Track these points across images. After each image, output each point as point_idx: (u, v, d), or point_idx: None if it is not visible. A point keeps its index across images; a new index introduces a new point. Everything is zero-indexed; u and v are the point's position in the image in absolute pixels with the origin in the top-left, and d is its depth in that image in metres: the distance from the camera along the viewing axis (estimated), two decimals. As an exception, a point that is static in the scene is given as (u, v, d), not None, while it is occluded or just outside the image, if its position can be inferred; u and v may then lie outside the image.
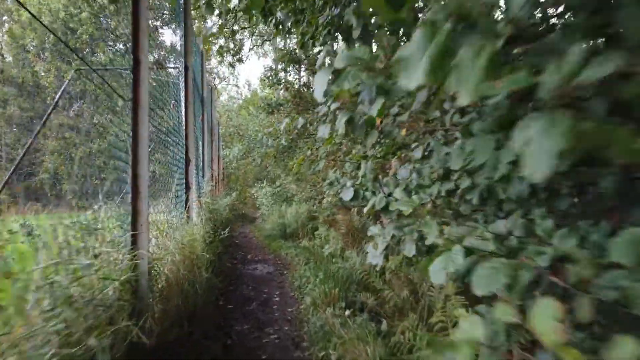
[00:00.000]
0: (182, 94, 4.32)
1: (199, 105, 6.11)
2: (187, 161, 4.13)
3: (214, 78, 25.42)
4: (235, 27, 12.33)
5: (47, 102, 19.58)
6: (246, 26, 13.57)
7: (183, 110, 4.23)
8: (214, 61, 25.85)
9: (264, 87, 30.94)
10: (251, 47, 13.40)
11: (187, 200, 4.08)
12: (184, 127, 4.19)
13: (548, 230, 1.40)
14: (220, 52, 10.50)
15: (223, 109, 21.13)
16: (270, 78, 7.55)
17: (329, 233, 6.40)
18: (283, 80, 7.69)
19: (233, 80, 38.48)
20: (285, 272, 5.97)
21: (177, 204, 3.98)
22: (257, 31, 12.97)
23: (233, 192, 16.15)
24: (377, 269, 4.33)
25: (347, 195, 2.56)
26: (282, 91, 8.50)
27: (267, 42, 15.28)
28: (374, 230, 2.48)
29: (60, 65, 18.40)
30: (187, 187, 4.11)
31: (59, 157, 18.75)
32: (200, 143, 6.30)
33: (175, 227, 3.41)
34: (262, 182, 12.95)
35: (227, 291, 4.89)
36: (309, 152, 4.93)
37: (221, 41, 11.50)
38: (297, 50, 8.29)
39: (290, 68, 9.31)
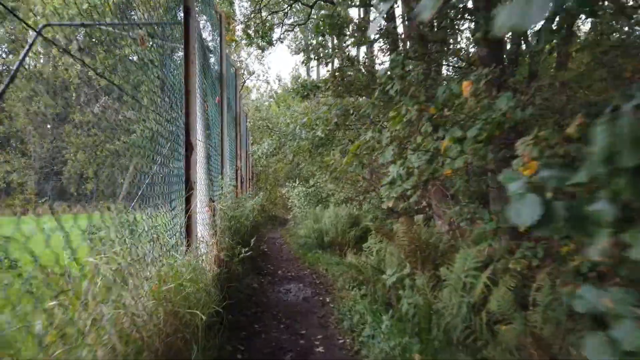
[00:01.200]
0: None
1: (213, 79, 4.76)
2: (188, 148, 2.75)
3: (243, 72, 24.31)
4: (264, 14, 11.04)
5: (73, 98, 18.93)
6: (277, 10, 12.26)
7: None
8: (243, 54, 24.82)
9: (295, 90, 29.65)
10: (281, 34, 12.05)
11: (187, 209, 2.69)
12: (183, 93, 2.82)
13: None
14: (246, 33, 9.19)
15: (252, 105, 19.97)
16: (310, 57, 6.14)
17: (383, 246, 4.92)
18: (322, 53, 6.26)
19: (263, 75, 37.40)
20: (327, 299, 4.54)
21: (171, 217, 2.61)
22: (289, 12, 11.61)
23: (262, 192, 14.90)
24: (482, 315, 2.86)
25: (529, 212, 1.04)
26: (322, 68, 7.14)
27: (298, 28, 13.95)
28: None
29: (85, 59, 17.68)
30: (188, 188, 2.73)
31: (83, 154, 18.02)
32: (218, 131, 4.94)
33: (153, 260, 2.01)
34: (294, 181, 11.58)
35: (250, 333, 3.50)
36: (368, 135, 3.45)
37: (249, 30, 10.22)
38: (340, 12, 6.85)
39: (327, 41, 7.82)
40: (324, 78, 7.04)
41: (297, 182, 11.43)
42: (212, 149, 4.46)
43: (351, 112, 6.94)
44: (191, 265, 2.49)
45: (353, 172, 7.58)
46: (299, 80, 6.68)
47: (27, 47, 3.67)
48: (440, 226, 7.33)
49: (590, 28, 5.87)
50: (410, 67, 4.02)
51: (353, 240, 7.06)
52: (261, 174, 15.30)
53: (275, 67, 48.19)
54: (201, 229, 3.50)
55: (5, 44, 21.23)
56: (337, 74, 6.23)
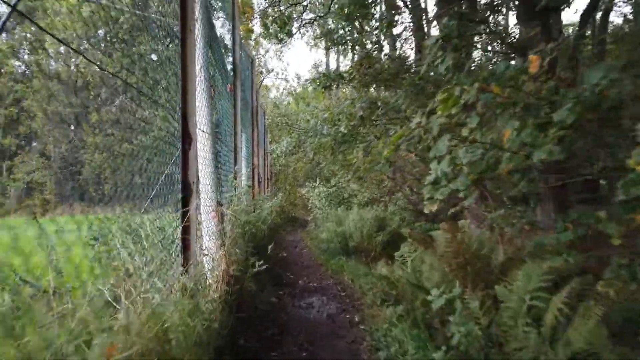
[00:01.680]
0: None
1: (224, 65, 4.19)
2: (186, 139, 2.17)
3: (262, 70, 23.86)
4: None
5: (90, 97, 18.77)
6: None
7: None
8: (261, 51, 24.39)
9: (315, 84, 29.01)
10: (300, 27, 11.45)
11: (184, 216, 2.11)
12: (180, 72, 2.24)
13: None
14: (264, 24, 8.63)
15: (271, 102, 19.47)
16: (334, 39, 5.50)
17: (419, 255, 4.26)
18: (346, 38, 5.61)
19: (282, 73, 36.92)
20: (355, 317, 3.91)
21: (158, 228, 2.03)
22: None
23: (280, 192, 14.35)
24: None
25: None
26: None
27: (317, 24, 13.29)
28: None
29: (102, 58, 17.47)
30: (186, 190, 2.15)
31: (101, 154, 17.82)
32: (230, 124, 4.37)
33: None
34: (315, 180, 10.99)
35: (265, 363, 2.91)
36: (414, 122, 2.81)
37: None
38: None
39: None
40: (349, 67, 6.40)
41: (318, 182, 10.83)
42: (222, 144, 3.88)
43: (378, 105, 6.30)
44: (188, 290, 1.92)
45: (378, 171, 6.93)
46: (320, 70, 6.08)
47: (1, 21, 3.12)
48: (474, 231, 6.65)
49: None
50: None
51: (380, 245, 6.41)
52: (280, 173, 14.76)
53: (294, 65, 47.44)
54: (207, 240, 2.92)
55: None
56: (363, 61, 5.60)
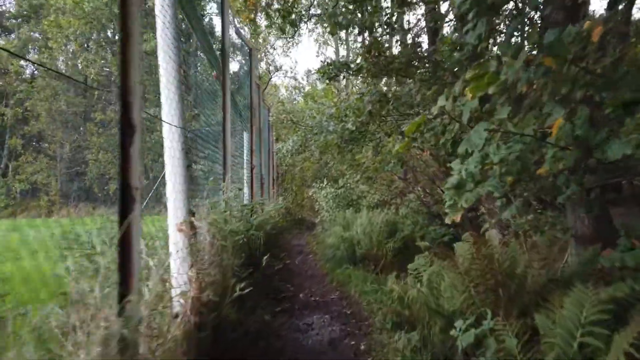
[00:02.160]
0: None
1: (210, 47, 3.62)
2: (126, 130, 1.60)
3: (269, 67, 23.32)
4: None
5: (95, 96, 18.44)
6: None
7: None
8: (269, 49, 23.85)
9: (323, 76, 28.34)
10: (307, 19, 10.87)
11: (123, 237, 1.54)
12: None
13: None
14: (266, 12, 8.08)
15: (276, 99, 18.97)
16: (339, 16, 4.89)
17: (436, 270, 3.65)
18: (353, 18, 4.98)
19: (290, 71, 36.37)
20: (361, 345, 3.33)
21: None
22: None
23: (287, 193, 13.79)
24: None
25: None
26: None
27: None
28: None
29: (106, 56, 17.13)
30: (126, 196, 1.58)
31: (105, 154, 17.46)
32: (216, 116, 3.81)
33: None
34: (322, 181, 10.41)
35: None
36: (438, 105, 2.20)
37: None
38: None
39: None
40: (357, 55, 5.77)
41: (325, 183, 10.25)
42: (200, 140, 3.32)
43: (388, 98, 5.70)
44: (118, 341, 1.35)
45: (389, 171, 6.33)
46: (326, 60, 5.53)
47: None
48: (495, 238, 6.08)
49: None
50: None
51: (391, 253, 5.81)
52: (287, 173, 14.20)
53: (303, 63, 46.75)
54: (175, 259, 2.36)
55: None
56: (372, 46, 4.99)
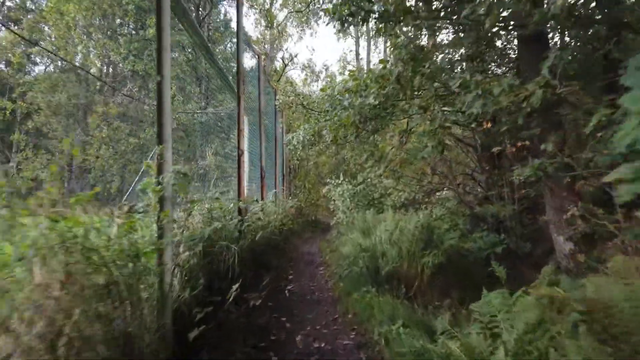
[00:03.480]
0: None
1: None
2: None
3: (284, 59, 21.76)
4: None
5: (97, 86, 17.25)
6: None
7: None
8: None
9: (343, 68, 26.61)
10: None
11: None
12: None
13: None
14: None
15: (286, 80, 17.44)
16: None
17: (532, 318, 2.00)
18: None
19: (307, 64, 34.57)
20: None
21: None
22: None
23: (300, 192, 12.21)
24: None
25: None
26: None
27: None
28: None
29: (107, 43, 15.89)
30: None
31: (107, 150, 16.21)
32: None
33: None
34: (339, 176, 8.78)
35: None
36: None
37: None
38: None
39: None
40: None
41: (342, 178, 8.61)
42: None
43: (427, 51, 4.06)
44: None
45: (425, 158, 4.66)
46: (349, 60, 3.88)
47: None
48: (562, 248, 4.49)
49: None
50: None
51: (429, 270, 4.16)
52: (299, 168, 12.60)
53: (320, 56, 44.63)
54: None
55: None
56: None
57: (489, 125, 3.54)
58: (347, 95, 5.19)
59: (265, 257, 5.34)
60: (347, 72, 5.41)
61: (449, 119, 4.18)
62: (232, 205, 4.03)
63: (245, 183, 4.75)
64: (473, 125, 5.01)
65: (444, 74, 4.41)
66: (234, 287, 2.50)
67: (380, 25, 4.47)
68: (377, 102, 4.91)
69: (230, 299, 2.43)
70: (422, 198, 6.82)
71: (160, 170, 2.25)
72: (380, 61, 4.72)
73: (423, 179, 6.81)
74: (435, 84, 4.54)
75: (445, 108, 4.62)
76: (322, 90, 6.11)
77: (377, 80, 4.88)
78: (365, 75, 5.31)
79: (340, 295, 4.37)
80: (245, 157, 6.57)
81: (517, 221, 5.39)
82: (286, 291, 4.56)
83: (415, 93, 4.79)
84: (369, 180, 8.03)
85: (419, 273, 4.20)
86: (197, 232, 2.86)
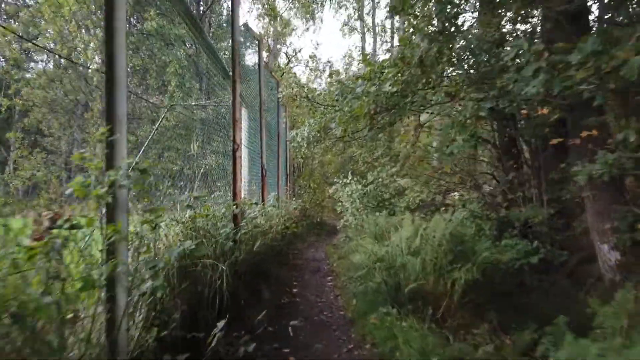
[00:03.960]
0: None
1: None
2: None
3: (287, 53, 21.10)
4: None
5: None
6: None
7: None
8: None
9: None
10: None
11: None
12: None
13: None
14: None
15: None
16: None
17: None
18: None
19: (312, 60, 33.78)
20: None
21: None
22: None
23: (304, 192, 11.52)
24: None
25: None
26: None
27: None
28: None
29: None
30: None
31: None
32: None
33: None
34: (347, 175, 8.08)
35: None
36: None
37: None
38: None
39: None
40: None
41: (350, 178, 7.92)
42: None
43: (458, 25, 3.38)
44: None
45: (457, 153, 3.95)
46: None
47: None
48: (607, 258, 3.85)
49: None
50: None
51: (460, 287, 3.46)
52: (304, 167, 11.89)
53: (325, 51, 43.35)
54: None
55: None
56: None
57: (544, 111, 2.83)
58: (359, 81, 4.50)
59: (265, 265, 4.68)
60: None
61: (484, 108, 3.48)
62: (224, 210, 3.35)
63: (243, 183, 4.08)
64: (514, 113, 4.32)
65: (478, 53, 3.72)
66: (219, 325, 1.83)
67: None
68: (395, 90, 4.23)
69: (213, 343, 1.75)
70: (443, 199, 6.11)
71: (110, 164, 1.59)
72: (401, 40, 4.03)
73: (442, 178, 6.10)
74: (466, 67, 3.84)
75: (474, 95, 3.93)
76: (329, 76, 5.42)
77: (395, 63, 4.19)
78: (381, 61, 4.63)
79: (354, 316, 3.68)
80: (245, 154, 5.90)
81: (550, 226, 4.70)
82: (289, 310, 3.88)
83: (442, 77, 4.10)
84: (380, 180, 7.34)
85: (448, 290, 3.52)
86: (175, 248, 2.18)
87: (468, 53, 3.84)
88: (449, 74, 4.18)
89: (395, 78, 4.24)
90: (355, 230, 7.44)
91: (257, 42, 5.91)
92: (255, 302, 3.58)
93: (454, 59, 3.75)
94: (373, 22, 24.87)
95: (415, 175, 5.85)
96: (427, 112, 4.91)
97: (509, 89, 3.20)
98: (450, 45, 3.80)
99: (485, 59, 3.76)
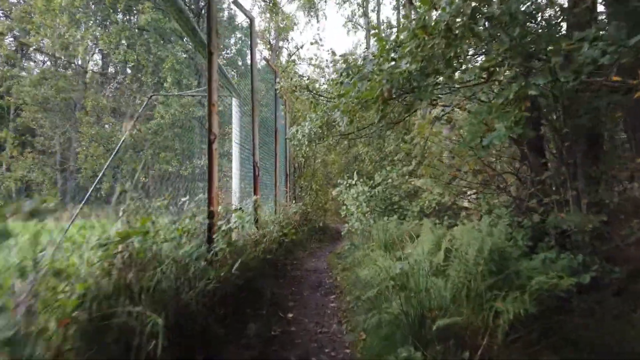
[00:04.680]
0: None
1: None
2: None
3: (288, 47, 20.33)
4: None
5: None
6: None
7: None
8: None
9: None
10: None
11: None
12: None
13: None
14: None
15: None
16: None
17: None
18: None
19: (315, 57, 32.89)
20: None
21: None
22: None
23: (305, 194, 10.68)
24: None
25: None
26: None
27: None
28: None
29: (97, 30, 14.49)
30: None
31: (97, 147, 14.79)
32: None
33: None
34: (352, 175, 7.21)
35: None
36: None
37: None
38: None
39: None
40: None
41: (355, 179, 7.06)
42: None
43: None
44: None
45: (497, 144, 3.08)
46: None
47: None
48: None
49: None
50: None
51: (508, 322, 2.59)
52: (305, 167, 11.03)
53: (328, 45, 42.05)
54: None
55: None
56: None
57: (634, 82, 1.98)
58: (369, 58, 3.66)
59: (255, 284, 3.84)
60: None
61: (535, 84, 2.63)
62: (188, 221, 2.50)
63: (234, 183, 3.22)
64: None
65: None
66: None
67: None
68: (414, 67, 3.38)
69: None
70: (471, 201, 5.22)
71: None
72: (422, 1, 3.17)
73: (464, 178, 5.22)
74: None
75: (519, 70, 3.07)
76: (333, 54, 4.58)
77: (414, 34, 3.34)
78: (395, 37, 3.79)
79: (364, 357, 2.82)
80: (236, 151, 5.06)
81: (592, 235, 3.82)
82: (281, 346, 3.03)
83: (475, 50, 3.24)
84: (390, 180, 6.48)
85: (489, 326, 2.65)
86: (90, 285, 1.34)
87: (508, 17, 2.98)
88: (484, 46, 3.32)
89: (415, 53, 3.39)
90: (362, 237, 6.59)
91: (249, 20, 5.08)
92: (235, 339, 2.74)
93: (495, 24, 2.89)
94: (378, 19, 24.05)
95: (435, 175, 4.96)
96: (455, 95, 4.04)
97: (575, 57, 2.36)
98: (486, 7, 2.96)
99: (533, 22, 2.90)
